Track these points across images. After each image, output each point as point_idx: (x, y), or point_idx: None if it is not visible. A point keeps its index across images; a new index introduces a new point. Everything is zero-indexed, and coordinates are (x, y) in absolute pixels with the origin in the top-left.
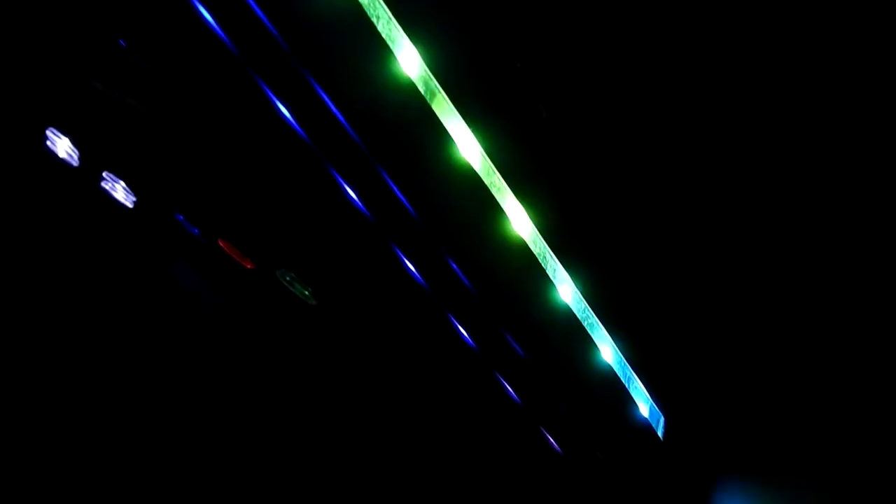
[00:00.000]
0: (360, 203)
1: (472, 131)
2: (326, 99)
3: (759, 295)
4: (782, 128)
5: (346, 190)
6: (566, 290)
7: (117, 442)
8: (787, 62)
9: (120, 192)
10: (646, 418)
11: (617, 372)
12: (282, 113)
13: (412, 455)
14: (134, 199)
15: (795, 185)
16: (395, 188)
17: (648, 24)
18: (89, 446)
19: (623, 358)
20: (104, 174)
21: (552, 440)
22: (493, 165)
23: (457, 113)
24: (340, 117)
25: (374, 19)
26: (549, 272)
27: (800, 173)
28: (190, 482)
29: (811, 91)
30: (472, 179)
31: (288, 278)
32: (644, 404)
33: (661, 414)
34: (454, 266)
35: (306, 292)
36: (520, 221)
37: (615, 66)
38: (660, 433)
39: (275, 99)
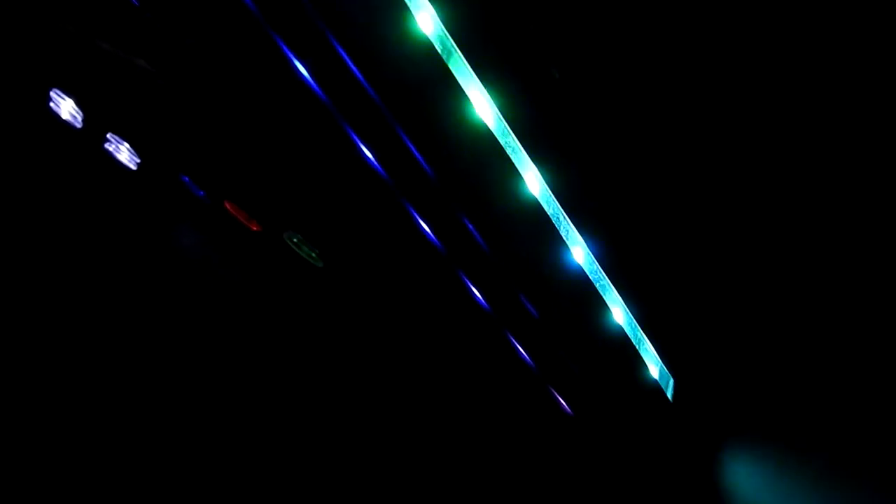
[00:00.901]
0: (374, 161)
1: (488, 91)
2: (344, 55)
3: (770, 259)
4: (802, 81)
5: (359, 148)
6: (579, 252)
7: (121, 407)
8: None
9: (124, 153)
10: (655, 380)
11: (628, 333)
12: (296, 69)
13: (422, 417)
14: (138, 160)
15: (813, 149)
16: (409, 146)
17: None
18: (92, 410)
19: (634, 320)
20: (108, 135)
21: (562, 401)
22: (507, 126)
23: (473, 72)
24: (358, 74)
25: None
26: (563, 233)
27: (816, 137)
28: (193, 447)
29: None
30: (487, 139)
31: (295, 240)
32: (654, 366)
33: (670, 376)
34: (468, 225)
35: (313, 254)
36: (534, 182)
37: (631, 25)
38: (669, 395)
39: (290, 54)
